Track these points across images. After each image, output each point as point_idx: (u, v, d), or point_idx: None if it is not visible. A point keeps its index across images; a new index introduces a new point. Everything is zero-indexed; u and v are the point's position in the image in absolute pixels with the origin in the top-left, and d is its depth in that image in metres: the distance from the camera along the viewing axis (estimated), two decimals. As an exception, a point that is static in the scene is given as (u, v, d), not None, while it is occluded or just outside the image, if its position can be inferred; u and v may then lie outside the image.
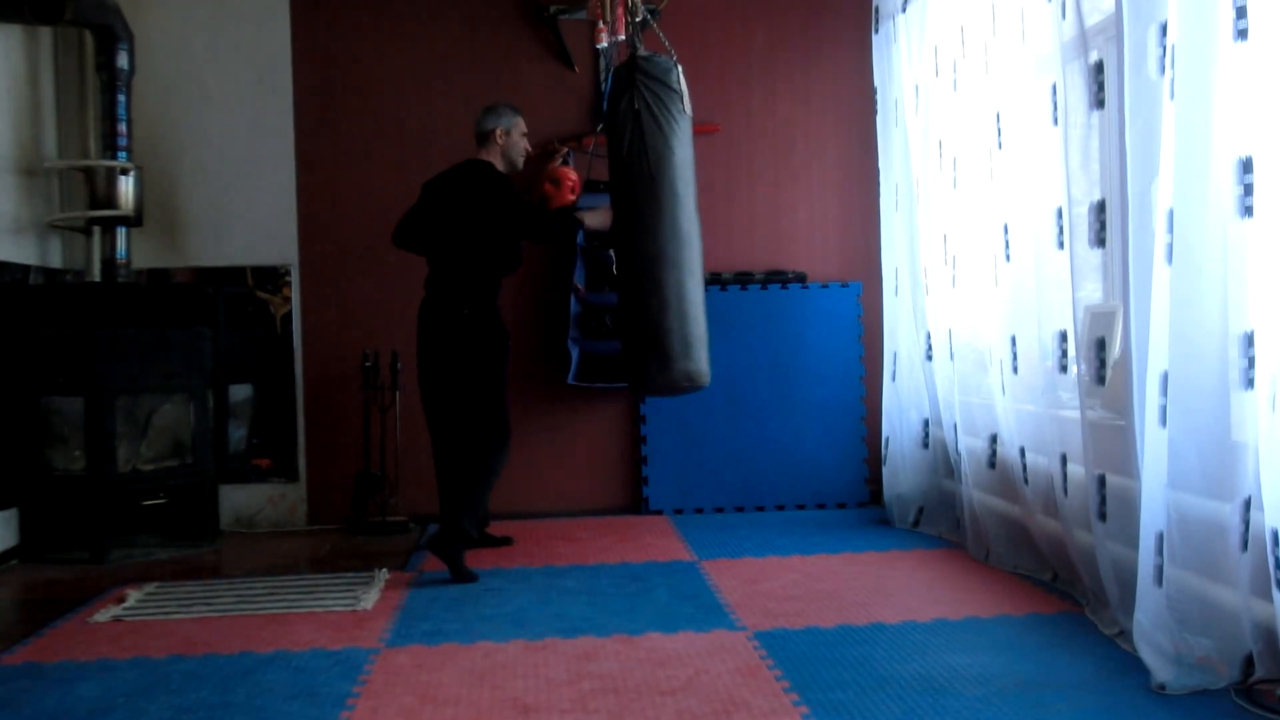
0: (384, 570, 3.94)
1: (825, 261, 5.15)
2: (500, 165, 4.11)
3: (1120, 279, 2.90)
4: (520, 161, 4.18)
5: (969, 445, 3.99)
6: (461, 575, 3.77)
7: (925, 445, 4.50)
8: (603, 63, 5.05)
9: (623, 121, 4.21)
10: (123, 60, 4.60)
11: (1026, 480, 3.53)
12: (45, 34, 4.73)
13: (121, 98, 4.61)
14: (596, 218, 4.11)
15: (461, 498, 3.89)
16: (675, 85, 4.26)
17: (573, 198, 4.83)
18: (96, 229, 4.65)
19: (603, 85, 5.02)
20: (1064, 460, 3.23)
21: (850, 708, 2.44)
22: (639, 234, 4.22)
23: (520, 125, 4.15)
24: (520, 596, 3.54)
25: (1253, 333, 2.39)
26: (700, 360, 4.09)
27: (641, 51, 4.34)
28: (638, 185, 4.19)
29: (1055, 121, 3.18)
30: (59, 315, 4.42)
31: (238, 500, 4.93)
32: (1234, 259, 2.44)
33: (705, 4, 5.11)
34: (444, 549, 3.79)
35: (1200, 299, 2.49)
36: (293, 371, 4.97)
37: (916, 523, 4.50)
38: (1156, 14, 2.64)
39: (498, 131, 4.10)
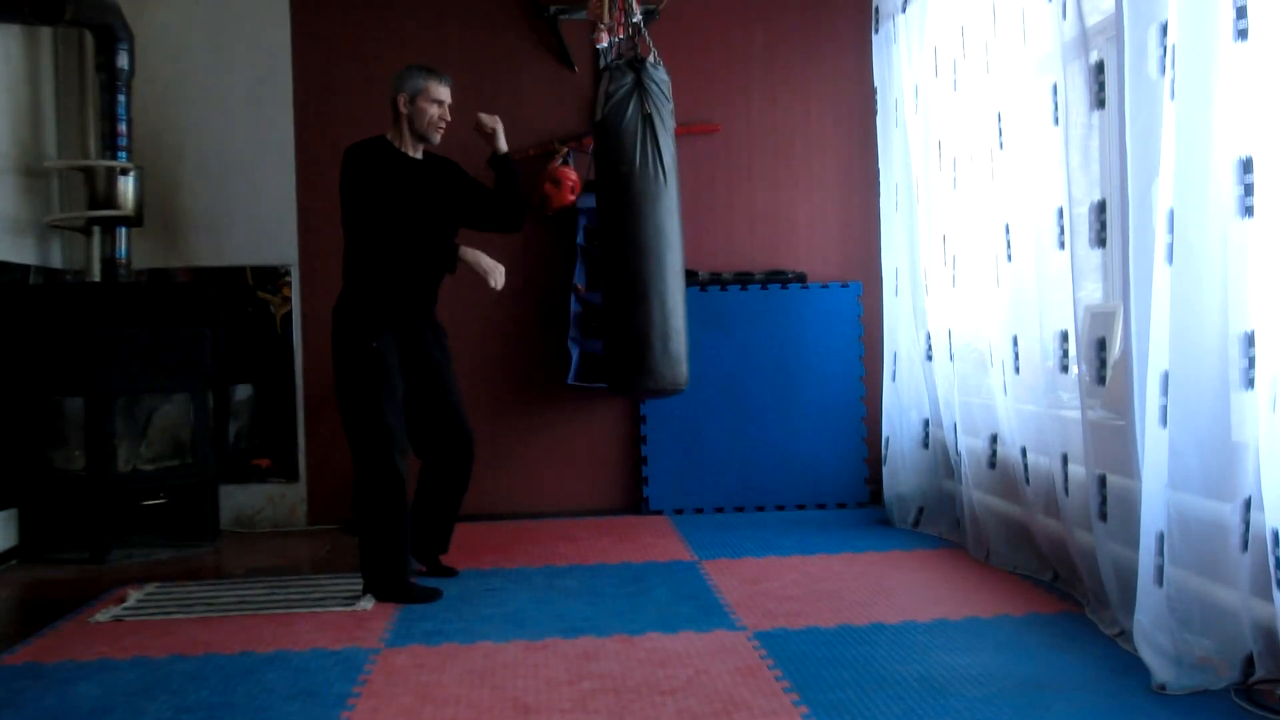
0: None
1: (825, 261, 5.15)
2: (409, 140, 3.56)
3: (1121, 279, 2.91)
4: (432, 134, 3.56)
5: (969, 445, 3.99)
6: (415, 598, 3.50)
7: (925, 445, 4.50)
8: (602, 63, 5.04)
9: (630, 127, 4.24)
10: (123, 60, 4.60)
11: (1028, 480, 3.53)
12: (45, 34, 4.73)
13: (121, 98, 4.61)
14: (476, 257, 3.62)
15: (363, 543, 3.55)
16: (670, 96, 4.34)
17: (572, 198, 4.84)
18: (96, 229, 4.65)
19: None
20: (1065, 460, 3.23)
21: (850, 708, 2.44)
22: (635, 244, 4.33)
23: (431, 90, 3.50)
24: (520, 596, 3.54)
25: (1253, 333, 2.39)
26: (682, 369, 4.40)
27: (647, 57, 4.38)
28: (641, 193, 4.25)
29: (1056, 121, 3.18)
30: (59, 315, 4.42)
31: (238, 500, 4.93)
32: (1234, 259, 2.44)
33: (705, 4, 5.10)
34: (378, 593, 3.52)
35: (1200, 299, 2.49)
36: (293, 371, 4.97)
37: (917, 523, 4.50)
38: (1157, 14, 2.65)
39: (400, 99, 3.51)
